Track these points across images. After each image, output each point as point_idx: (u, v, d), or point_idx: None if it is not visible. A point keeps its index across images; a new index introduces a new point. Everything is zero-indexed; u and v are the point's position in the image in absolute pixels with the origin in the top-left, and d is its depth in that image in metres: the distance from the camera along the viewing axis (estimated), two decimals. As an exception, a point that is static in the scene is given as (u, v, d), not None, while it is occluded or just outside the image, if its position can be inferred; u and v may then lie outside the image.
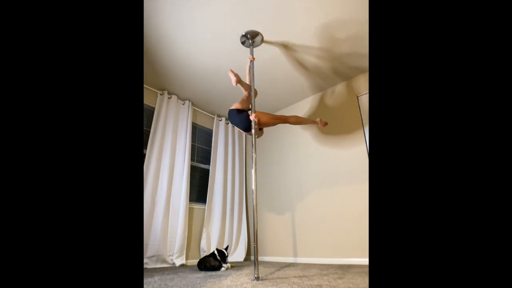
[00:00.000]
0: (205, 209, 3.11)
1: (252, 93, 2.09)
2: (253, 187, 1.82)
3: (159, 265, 2.46)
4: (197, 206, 3.07)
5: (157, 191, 2.64)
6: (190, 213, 2.94)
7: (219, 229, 3.10)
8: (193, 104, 3.31)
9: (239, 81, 2.12)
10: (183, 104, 3.19)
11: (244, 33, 2.16)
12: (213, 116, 3.59)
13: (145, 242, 2.42)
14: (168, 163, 2.77)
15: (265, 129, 3.62)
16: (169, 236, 2.61)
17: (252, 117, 1.95)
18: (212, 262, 2.10)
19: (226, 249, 2.29)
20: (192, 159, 3.26)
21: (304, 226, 2.82)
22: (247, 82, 2.27)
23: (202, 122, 3.50)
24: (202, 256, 2.62)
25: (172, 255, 2.58)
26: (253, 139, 1.93)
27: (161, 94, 2.95)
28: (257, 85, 2.87)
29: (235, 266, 2.44)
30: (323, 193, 2.73)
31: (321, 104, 3.06)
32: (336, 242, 2.48)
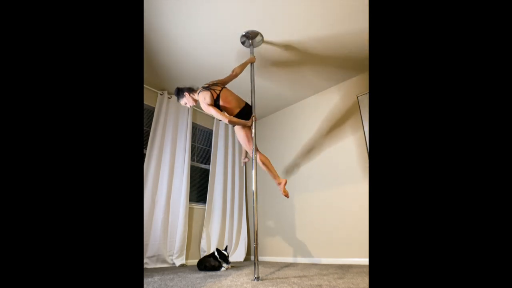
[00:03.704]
0: (205, 209, 3.11)
1: (253, 96, 2.09)
2: (253, 187, 1.81)
3: (159, 265, 2.46)
4: (197, 206, 3.07)
5: (157, 191, 2.64)
6: (190, 213, 2.94)
7: (219, 229, 3.10)
8: (193, 104, 3.32)
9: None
10: (183, 104, 3.19)
11: (244, 33, 2.16)
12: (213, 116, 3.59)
13: (145, 242, 2.42)
14: (168, 163, 2.77)
15: (266, 128, 3.64)
16: (169, 236, 2.61)
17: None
18: (212, 262, 2.09)
19: (225, 249, 2.29)
20: (192, 159, 3.26)
21: (304, 226, 2.82)
22: (237, 70, 2.17)
23: (202, 122, 3.50)
24: (202, 256, 2.62)
25: (172, 255, 2.58)
26: (254, 139, 1.93)
27: (161, 94, 2.95)
28: (257, 86, 2.87)
29: (235, 266, 2.44)
30: (323, 193, 2.73)
31: (321, 104, 3.06)
32: (336, 242, 2.48)
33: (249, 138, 2.01)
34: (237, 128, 2.08)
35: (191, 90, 2.05)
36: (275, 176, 2.05)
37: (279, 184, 2.02)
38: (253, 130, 1.96)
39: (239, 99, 2.06)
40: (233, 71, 2.17)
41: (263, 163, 2.05)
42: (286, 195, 1.99)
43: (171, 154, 2.83)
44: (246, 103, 2.09)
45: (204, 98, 1.91)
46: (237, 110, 2.00)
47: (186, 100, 2.05)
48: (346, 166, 2.60)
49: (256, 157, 1.91)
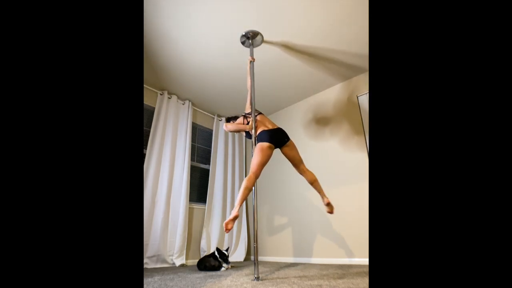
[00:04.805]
0: (205, 209, 3.11)
1: (253, 95, 2.08)
2: (253, 187, 1.81)
3: (159, 265, 2.46)
4: (197, 206, 3.07)
5: (157, 191, 2.64)
6: (190, 213, 2.95)
7: (219, 229, 3.10)
8: (193, 104, 3.31)
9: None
10: (183, 104, 3.19)
11: (244, 33, 2.16)
12: (213, 116, 3.59)
13: (145, 242, 2.42)
14: (168, 163, 2.77)
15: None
16: (169, 236, 2.61)
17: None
18: (212, 262, 2.09)
19: (226, 250, 2.29)
20: (192, 159, 3.26)
21: (304, 226, 2.82)
22: (248, 83, 2.22)
23: (202, 122, 3.50)
24: (202, 256, 2.62)
25: (172, 255, 2.58)
26: (253, 139, 1.93)
27: (161, 94, 2.95)
28: (257, 85, 2.87)
29: (235, 266, 2.44)
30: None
31: (321, 104, 3.06)
32: (336, 242, 2.48)
33: (256, 158, 1.82)
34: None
35: (236, 118, 2.26)
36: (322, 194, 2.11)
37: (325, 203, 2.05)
38: (252, 132, 1.96)
39: (271, 124, 2.05)
40: (247, 86, 2.27)
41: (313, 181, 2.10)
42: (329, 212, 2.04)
43: (171, 154, 2.83)
44: (278, 128, 2.02)
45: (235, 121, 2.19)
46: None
47: None
48: (346, 166, 2.60)
49: (305, 175, 2.04)
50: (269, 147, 1.88)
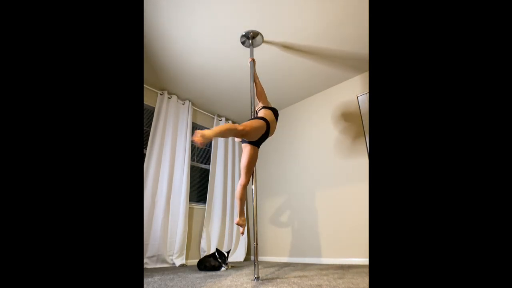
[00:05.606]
0: (205, 209, 3.11)
1: (252, 96, 2.06)
2: (253, 187, 1.81)
3: (159, 265, 2.46)
4: (197, 206, 3.07)
5: (157, 191, 2.64)
6: (190, 213, 2.94)
7: (219, 229, 3.10)
8: (193, 104, 3.31)
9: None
10: (183, 104, 3.19)
11: (244, 33, 2.16)
12: (213, 116, 3.59)
13: (145, 242, 2.42)
14: (168, 163, 2.77)
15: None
16: (169, 236, 2.61)
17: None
18: (212, 262, 2.10)
19: (228, 252, 2.29)
20: (192, 159, 3.26)
21: (304, 226, 2.82)
22: (256, 81, 2.13)
23: (202, 122, 3.50)
24: (202, 256, 2.62)
25: (172, 255, 2.58)
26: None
27: (161, 94, 2.95)
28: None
29: (235, 266, 2.44)
30: (323, 193, 2.73)
31: (321, 104, 3.06)
32: (336, 242, 2.48)
33: (241, 162, 1.80)
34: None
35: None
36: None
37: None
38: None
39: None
40: (258, 86, 2.14)
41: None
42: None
43: (171, 154, 2.83)
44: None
45: None
46: None
47: None
48: (346, 166, 2.60)
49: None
50: (249, 146, 1.81)
